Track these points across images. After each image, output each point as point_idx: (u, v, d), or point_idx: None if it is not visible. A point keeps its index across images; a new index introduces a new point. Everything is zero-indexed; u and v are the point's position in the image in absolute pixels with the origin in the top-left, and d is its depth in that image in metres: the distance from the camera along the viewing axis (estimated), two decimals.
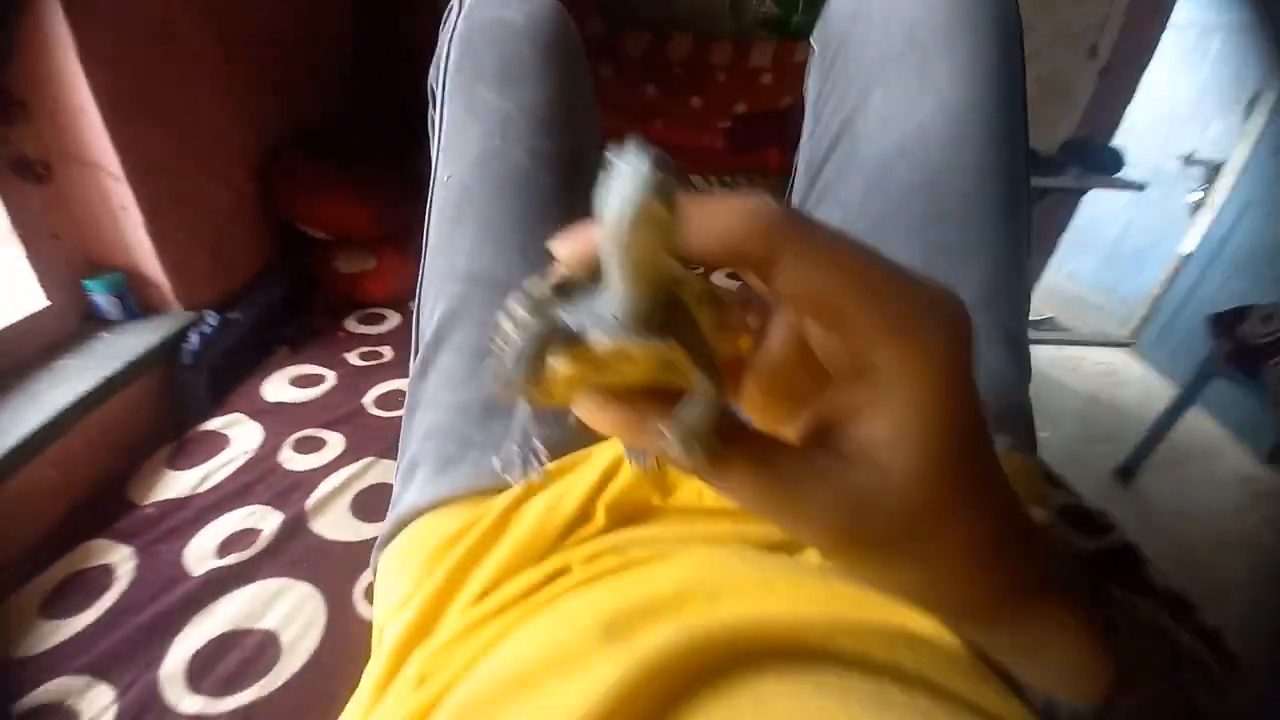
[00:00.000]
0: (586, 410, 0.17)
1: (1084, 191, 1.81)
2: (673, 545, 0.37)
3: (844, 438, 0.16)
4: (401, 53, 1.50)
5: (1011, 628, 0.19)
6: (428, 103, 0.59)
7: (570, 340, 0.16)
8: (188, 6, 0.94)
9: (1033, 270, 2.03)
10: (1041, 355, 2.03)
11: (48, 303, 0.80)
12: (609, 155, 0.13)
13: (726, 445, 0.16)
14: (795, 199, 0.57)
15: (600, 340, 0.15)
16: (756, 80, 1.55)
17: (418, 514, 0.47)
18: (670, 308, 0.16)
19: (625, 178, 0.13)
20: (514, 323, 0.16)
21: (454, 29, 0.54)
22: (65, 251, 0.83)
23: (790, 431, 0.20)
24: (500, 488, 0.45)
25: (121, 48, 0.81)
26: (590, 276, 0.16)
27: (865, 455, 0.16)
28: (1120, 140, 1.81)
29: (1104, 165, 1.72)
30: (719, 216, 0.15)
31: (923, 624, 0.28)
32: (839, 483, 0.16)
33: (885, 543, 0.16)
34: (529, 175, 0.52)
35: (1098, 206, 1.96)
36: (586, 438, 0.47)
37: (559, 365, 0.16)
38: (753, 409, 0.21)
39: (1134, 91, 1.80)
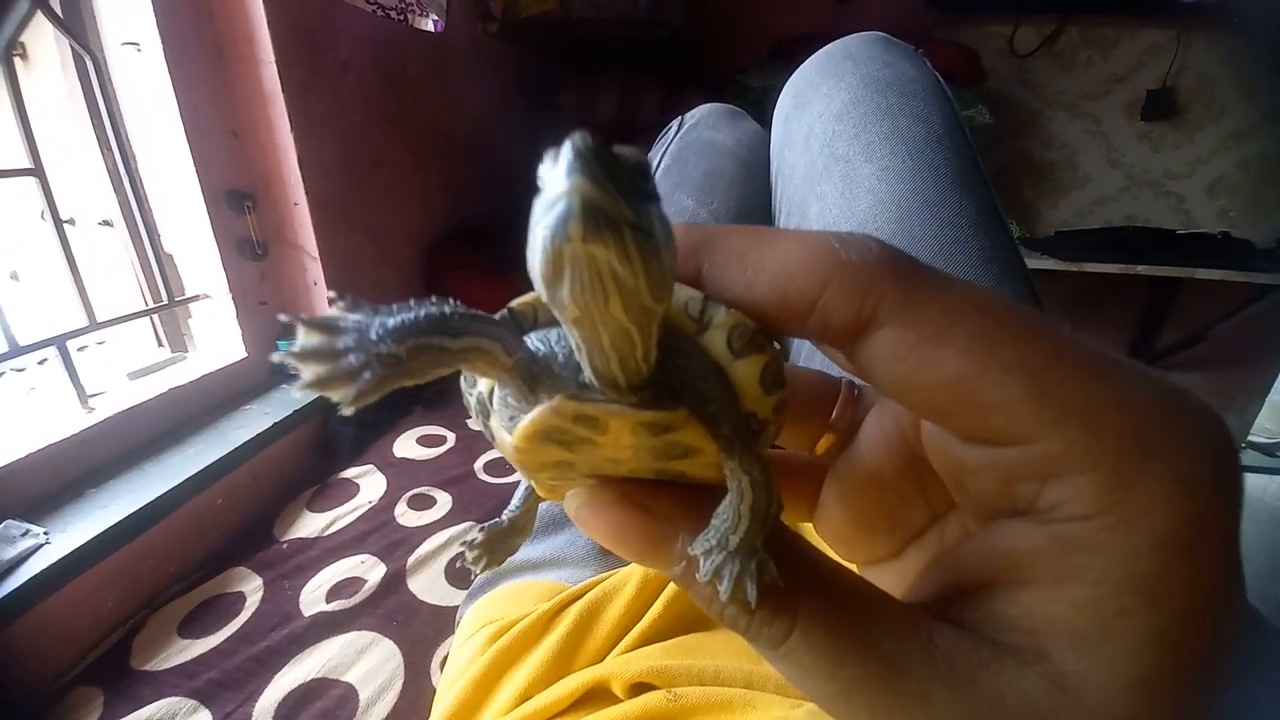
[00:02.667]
0: (575, 510, 0.13)
1: None
2: (737, 694, 0.30)
3: (994, 614, 0.10)
4: None
5: None
6: None
7: (515, 405, 0.12)
8: (389, 139, 1.15)
9: (1259, 382, 1.67)
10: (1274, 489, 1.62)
11: (245, 355, 0.96)
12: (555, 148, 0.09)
13: (794, 589, 0.10)
14: None
15: (548, 402, 0.11)
16: None
17: (506, 571, 0.47)
18: (682, 362, 0.11)
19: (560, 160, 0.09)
20: (466, 382, 0.13)
21: (670, 143, 0.62)
22: (267, 315, 1.00)
23: (890, 580, 0.14)
24: (588, 559, 0.44)
25: (334, 163, 1.00)
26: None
27: (1034, 650, 0.10)
28: None
29: None
30: (782, 249, 0.11)
31: None
32: (982, 688, 0.09)
33: None
34: None
35: None
36: None
37: (502, 434, 0.12)
38: (833, 540, 0.15)
39: None
